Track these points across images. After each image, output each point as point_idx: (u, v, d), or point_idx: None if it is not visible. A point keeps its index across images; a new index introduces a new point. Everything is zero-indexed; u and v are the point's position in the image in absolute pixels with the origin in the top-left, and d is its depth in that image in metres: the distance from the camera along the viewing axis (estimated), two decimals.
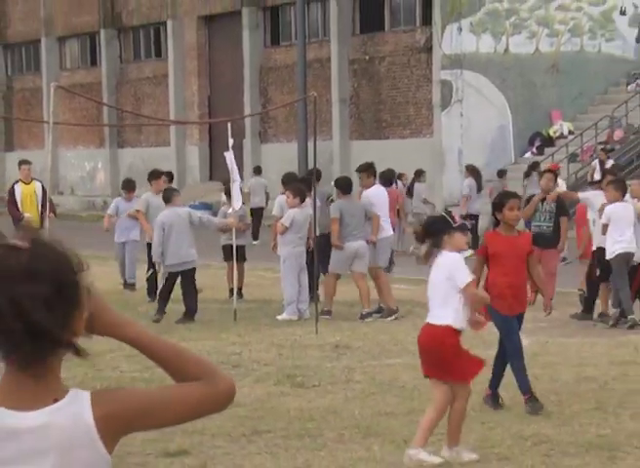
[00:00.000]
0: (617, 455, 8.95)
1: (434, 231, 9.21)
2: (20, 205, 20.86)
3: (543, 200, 17.34)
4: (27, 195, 20.92)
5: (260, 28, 44.98)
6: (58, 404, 2.74)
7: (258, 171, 33.63)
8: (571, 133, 37.76)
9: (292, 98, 38.53)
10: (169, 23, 48.18)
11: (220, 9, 46.23)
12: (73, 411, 2.74)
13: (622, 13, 39.73)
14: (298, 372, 12.58)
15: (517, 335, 10.74)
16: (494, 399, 10.73)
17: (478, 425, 9.97)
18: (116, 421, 2.76)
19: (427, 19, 38.78)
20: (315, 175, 17.53)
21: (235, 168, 17.59)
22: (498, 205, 10.72)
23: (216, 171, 44.77)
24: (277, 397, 11.36)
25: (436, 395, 9.02)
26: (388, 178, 23.19)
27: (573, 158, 35.83)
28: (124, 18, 50.96)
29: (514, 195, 11.18)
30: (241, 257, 18.50)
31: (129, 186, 21.29)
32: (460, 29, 37.98)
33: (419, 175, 29.81)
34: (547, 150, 36.96)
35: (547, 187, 17.39)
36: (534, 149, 37.98)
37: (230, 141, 17.44)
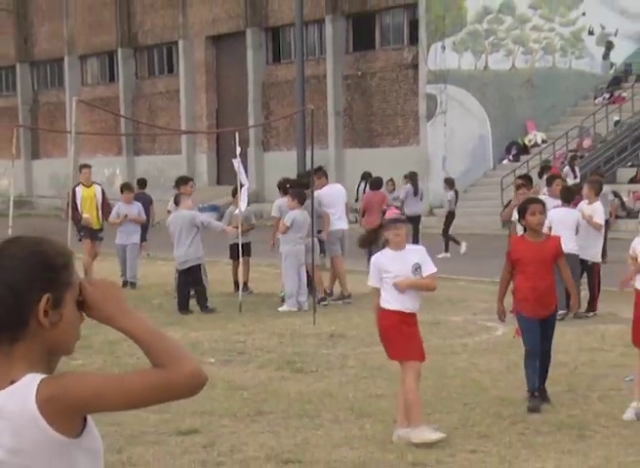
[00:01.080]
0: (585, 434, 8.96)
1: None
2: (80, 206, 20.32)
3: None
4: (87, 197, 20.42)
5: (262, 48, 45.03)
6: (10, 387, 2.78)
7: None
8: (544, 141, 37.84)
9: (291, 111, 38.53)
10: (180, 43, 48.21)
11: (227, 30, 46.27)
12: (22, 395, 2.76)
13: (591, 33, 39.80)
14: (297, 359, 12.59)
15: (535, 337, 9.98)
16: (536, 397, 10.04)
17: (460, 406, 9.98)
18: (59, 404, 2.75)
19: (414, 39, 38.85)
20: (312, 178, 17.62)
21: (243, 173, 17.62)
22: (521, 211, 10.16)
23: (223, 176, 44.86)
24: (278, 381, 11.37)
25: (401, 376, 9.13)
26: (378, 183, 23.34)
27: (546, 164, 35.81)
28: (139, 38, 50.99)
29: (536, 200, 10.62)
30: (246, 253, 18.51)
31: (128, 188, 21.09)
32: (443, 48, 38.04)
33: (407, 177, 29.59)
34: (523, 158, 37.01)
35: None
36: (510, 157, 38.05)
37: (238, 149, 17.46)
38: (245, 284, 18.60)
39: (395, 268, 8.87)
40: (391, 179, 28.81)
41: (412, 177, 28.70)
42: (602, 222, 16.20)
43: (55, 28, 55.16)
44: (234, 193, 19.40)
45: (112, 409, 2.85)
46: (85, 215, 19.98)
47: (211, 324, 15.44)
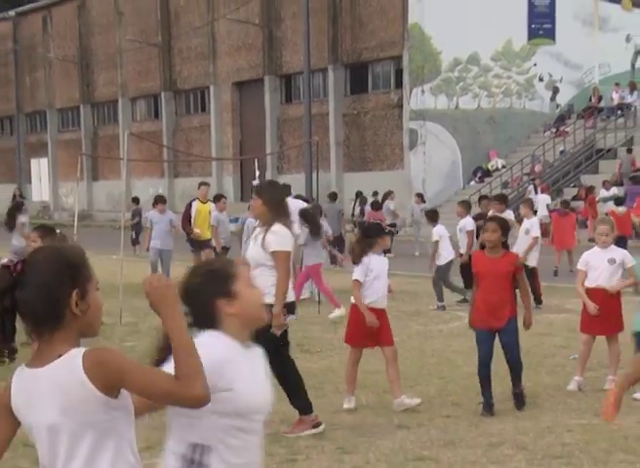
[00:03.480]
0: (536, 401, 8.97)
1: (371, 234, 9.02)
2: (193, 220, 18.50)
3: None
4: (202, 212, 18.56)
5: (277, 91, 45.09)
6: (59, 359, 2.85)
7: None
8: (503, 167, 37.88)
9: (301, 142, 38.60)
10: (211, 88, 48.30)
11: (248, 77, 46.36)
12: (70, 364, 2.83)
13: (541, 80, 39.90)
14: (305, 342, 12.60)
15: (485, 347, 8.69)
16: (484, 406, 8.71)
17: (437, 380, 9.98)
18: (103, 369, 2.81)
19: (399, 84, 38.92)
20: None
21: None
22: (483, 228, 9.31)
23: (245, 194, 44.89)
24: None
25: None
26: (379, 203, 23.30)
27: (505, 185, 35.96)
28: (178, 83, 51.08)
29: (490, 218, 9.42)
30: None
31: (161, 200, 18.88)
32: (423, 91, 38.10)
33: (388, 194, 29.40)
34: (487, 179, 37.06)
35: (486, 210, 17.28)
36: (477, 179, 38.08)
37: (257, 173, 17.49)
38: None
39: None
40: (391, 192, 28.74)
41: (359, 196, 28.27)
42: (538, 235, 16.02)
43: (111, 76, 55.30)
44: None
45: (130, 390, 2.88)
46: (196, 230, 18.38)
47: None
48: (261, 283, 7.79)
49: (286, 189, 19.76)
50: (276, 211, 7.87)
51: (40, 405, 2.86)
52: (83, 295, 2.90)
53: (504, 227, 8.75)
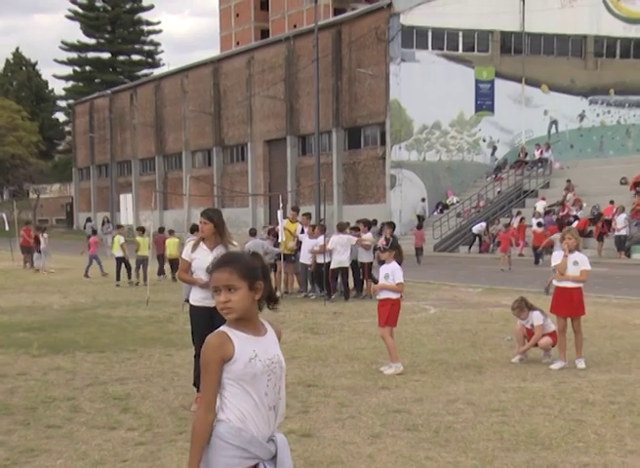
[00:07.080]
0: (481, 371, 8.90)
1: None
2: (280, 234, 17.15)
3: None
4: (288, 229, 17.35)
5: (295, 147, 45.21)
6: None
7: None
8: (458, 202, 37.87)
9: (312, 183, 38.64)
10: (248, 144, 48.43)
11: (275, 136, 46.50)
12: None
13: (484, 140, 40.13)
14: (315, 326, 12.55)
15: None
16: None
17: (409, 354, 9.92)
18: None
19: (383, 142, 39.03)
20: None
21: (281, 219, 17.55)
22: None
23: (272, 220, 44.89)
24: (304, 339, 11.33)
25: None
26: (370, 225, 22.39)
27: (458, 215, 35.93)
28: (225, 141, 51.21)
29: None
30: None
31: (195, 229, 16.67)
32: (400, 148, 38.26)
33: (375, 224, 28.81)
34: (445, 211, 37.05)
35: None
36: (438, 211, 38.09)
37: (280, 205, 17.46)
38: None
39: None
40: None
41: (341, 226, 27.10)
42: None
43: (177, 135, 55.49)
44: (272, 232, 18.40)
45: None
46: (289, 243, 17.09)
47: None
48: None
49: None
50: (225, 231, 6.89)
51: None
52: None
53: None
